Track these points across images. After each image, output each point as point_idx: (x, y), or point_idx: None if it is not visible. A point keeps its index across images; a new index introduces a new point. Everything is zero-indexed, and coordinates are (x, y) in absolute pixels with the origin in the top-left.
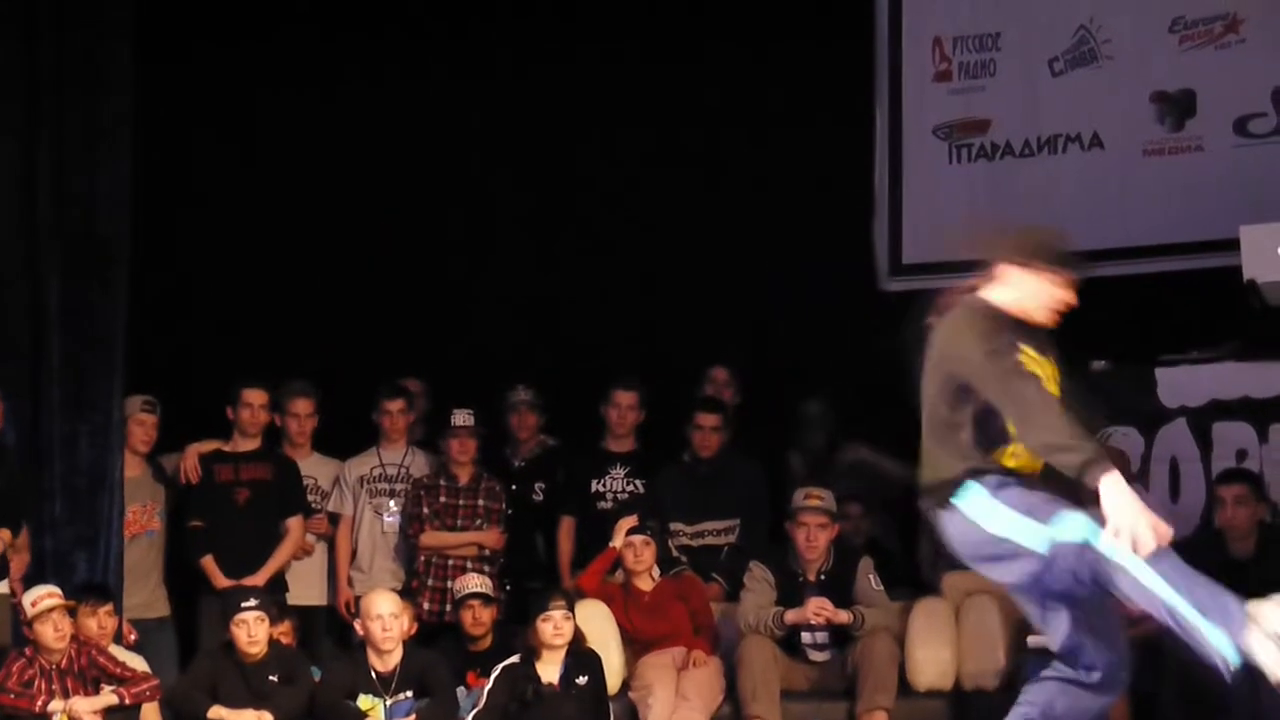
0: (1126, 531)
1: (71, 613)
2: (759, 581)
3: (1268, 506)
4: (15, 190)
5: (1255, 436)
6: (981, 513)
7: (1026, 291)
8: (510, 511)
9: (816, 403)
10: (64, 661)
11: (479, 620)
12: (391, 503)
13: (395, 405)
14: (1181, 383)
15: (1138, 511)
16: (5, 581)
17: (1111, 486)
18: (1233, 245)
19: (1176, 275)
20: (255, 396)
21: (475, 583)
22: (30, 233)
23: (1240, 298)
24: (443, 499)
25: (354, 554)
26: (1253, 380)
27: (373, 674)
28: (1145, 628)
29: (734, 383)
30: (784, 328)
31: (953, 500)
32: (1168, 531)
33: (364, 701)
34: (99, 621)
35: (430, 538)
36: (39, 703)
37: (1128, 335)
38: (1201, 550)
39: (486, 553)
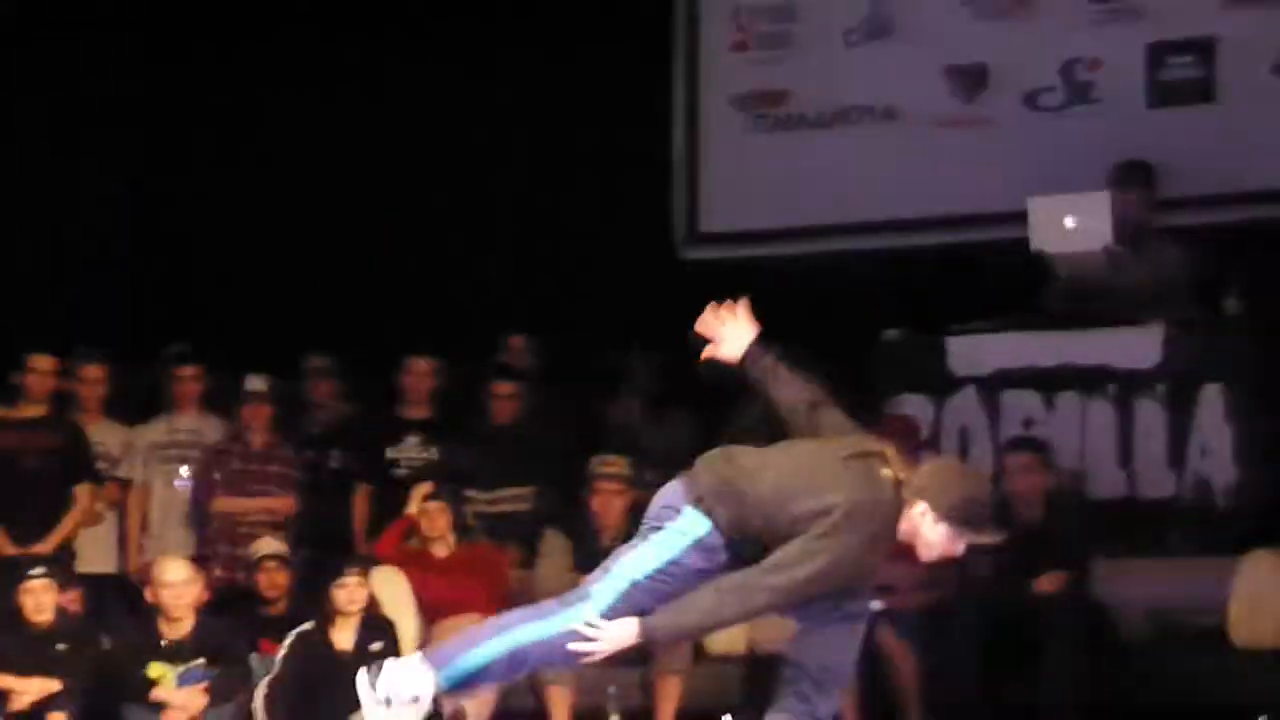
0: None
1: None
2: (554, 549)
3: (1055, 474)
4: None
5: (1042, 405)
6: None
7: (925, 533)
8: (306, 478)
9: (635, 356)
10: None
11: (274, 583)
12: (183, 469)
13: (186, 372)
14: (971, 352)
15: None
16: None
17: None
18: (1022, 217)
19: (968, 246)
20: (42, 363)
21: (270, 545)
22: None
23: (1029, 269)
24: (236, 465)
25: (145, 521)
26: (1040, 350)
27: (163, 642)
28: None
29: (532, 351)
30: (584, 297)
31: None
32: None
33: (155, 669)
34: None
35: (222, 504)
36: None
37: (919, 305)
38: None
39: (280, 520)
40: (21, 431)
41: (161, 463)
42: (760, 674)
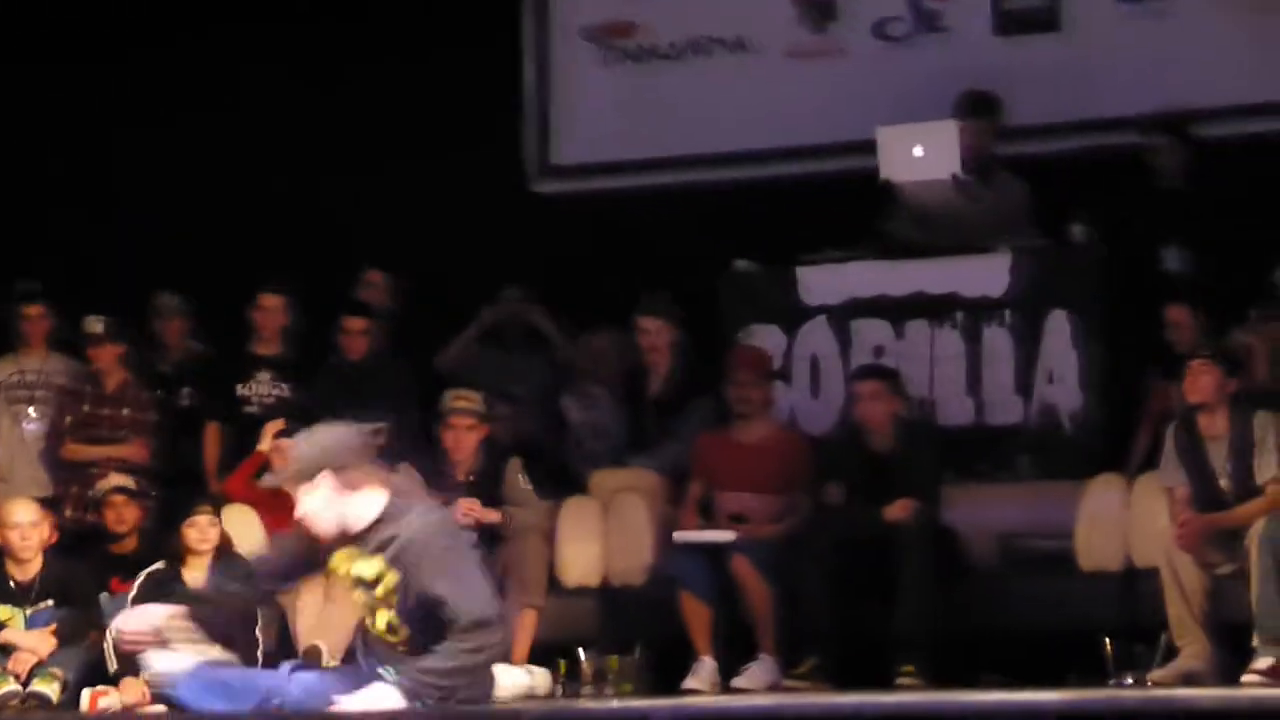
0: None
1: None
2: (407, 481)
3: (904, 401)
4: None
5: (892, 333)
6: None
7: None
8: (157, 419)
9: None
10: None
11: (122, 518)
12: (31, 409)
13: (33, 310)
14: (822, 282)
15: None
16: None
17: None
18: (872, 147)
19: (818, 177)
20: None
21: (117, 479)
22: None
23: (878, 199)
24: (87, 408)
25: None
26: (890, 279)
27: (11, 583)
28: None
29: (390, 285)
30: (435, 230)
31: None
32: None
33: (2, 611)
34: None
35: (72, 451)
36: None
37: (770, 236)
38: (842, 445)
39: (133, 466)
40: None
41: (9, 403)
42: (615, 604)
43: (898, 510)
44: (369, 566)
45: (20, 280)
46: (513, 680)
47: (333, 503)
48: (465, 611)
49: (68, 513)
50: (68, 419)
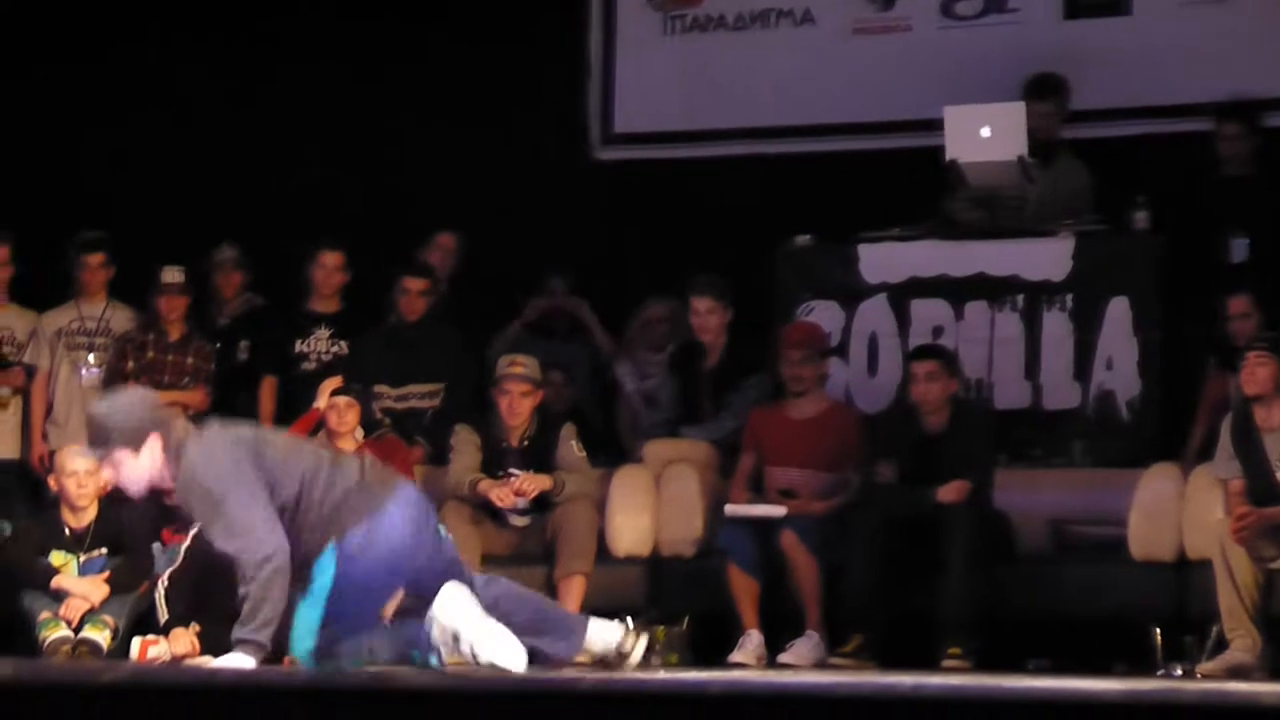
0: None
1: None
2: (465, 444)
3: (960, 382)
4: None
5: (951, 314)
6: None
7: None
8: (215, 371)
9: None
10: None
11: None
12: (90, 356)
13: (95, 259)
14: (882, 260)
15: None
16: None
17: None
18: (936, 125)
19: (881, 153)
20: None
21: None
22: None
23: (941, 177)
24: (150, 354)
25: (50, 408)
26: (951, 259)
27: (66, 530)
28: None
29: (458, 249)
30: (497, 196)
31: None
32: None
33: (56, 558)
34: None
35: None
36: None
37: (831, 211)
38: (896, 424)
39: (190, 413)
40: None
41: (68, 350)
42: (663, 575)
43: (950, 491)
44: None
45: (85, 230)
46: (604, 633)
47: (128, 467)
48: (237, 551)
49: None
50: (129, 364)
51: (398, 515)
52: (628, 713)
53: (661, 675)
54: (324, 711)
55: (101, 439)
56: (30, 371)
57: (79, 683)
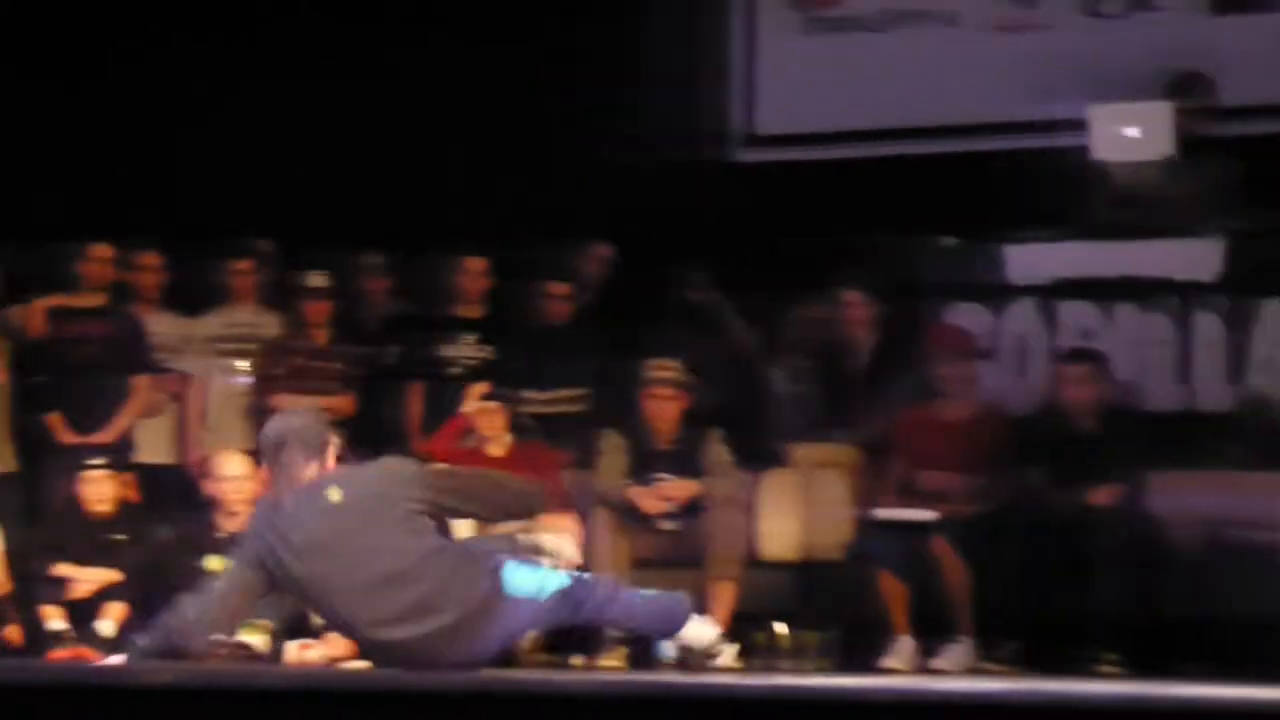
0: None
1: None
2: (612, 449)
3: (1110, 385)
4: None
5: (1100, 315)
6: None
7: None
8: (361, 376)
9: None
10: None
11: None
12: (239, 363)
13: (243, 266)
14: (1030, 261)
15: None
16: None
17: None
18: (1081, 124)
19: (1027, 153)
20: (101, 251)
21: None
22: None
23: (1088, 177)
24: (295, 360)
25: (202, 413)
26: (1098, 260)
27: (220, 535)
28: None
29: (609, 259)
30: (639, 199)
31: None
32: None
33: (212, 562)
34: None
35: (282, 400)
36: None
37: (977, 213)
38: (1046, 426)
39: (338, 418)
40: (80, 321)
41: (218, 356)
42: (812, 579)
43: (1102, 495)
44: None
45: (247, 237)
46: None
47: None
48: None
49: None
50: (276, 370)
51: None
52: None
53: (813, 681)
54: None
55: (275, 452)
56: (183, 377)
57: (235, 686)
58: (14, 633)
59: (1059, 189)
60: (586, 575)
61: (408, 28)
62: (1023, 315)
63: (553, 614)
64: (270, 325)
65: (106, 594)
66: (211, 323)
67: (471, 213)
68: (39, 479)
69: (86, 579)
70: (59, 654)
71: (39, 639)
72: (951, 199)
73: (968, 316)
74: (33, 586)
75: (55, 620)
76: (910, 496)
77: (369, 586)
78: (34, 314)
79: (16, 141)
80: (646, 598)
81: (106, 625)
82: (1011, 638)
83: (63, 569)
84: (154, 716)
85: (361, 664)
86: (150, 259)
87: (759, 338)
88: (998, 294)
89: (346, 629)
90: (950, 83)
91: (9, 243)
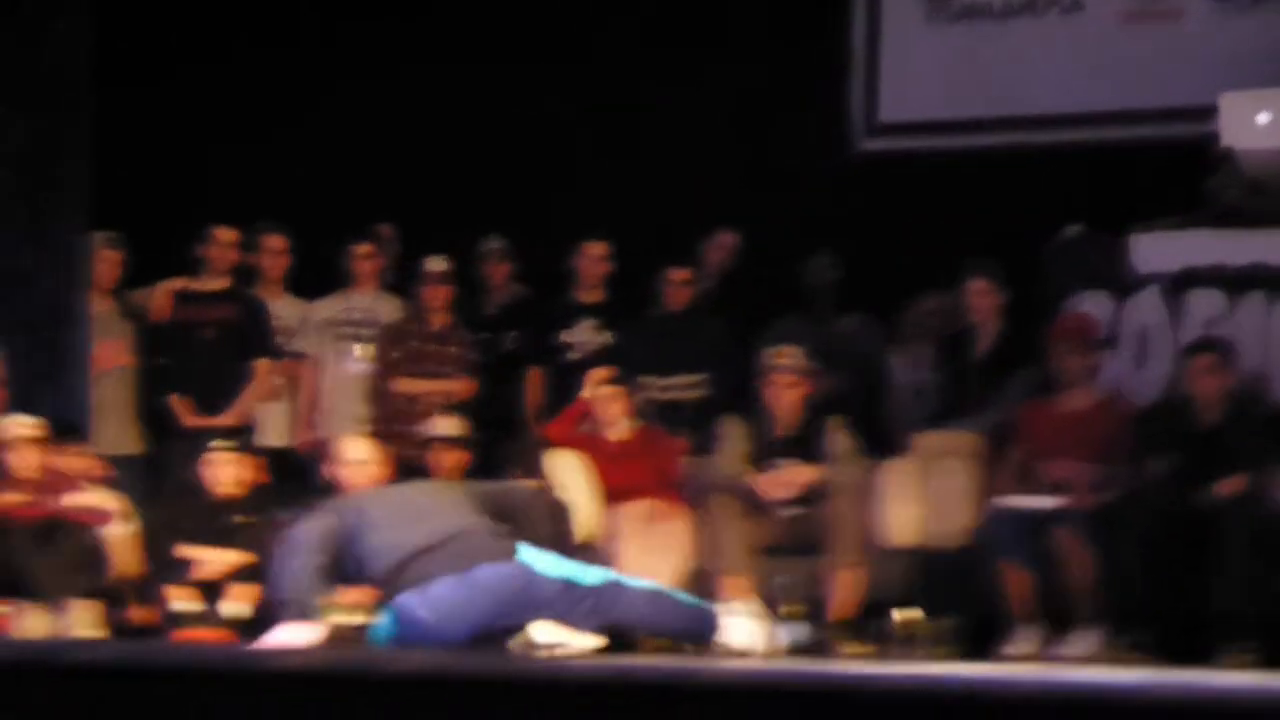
0: None
1: (42, 444)
2: (732, 436)
3: (1237, 376)
4: None
5: (1227, 305)
6: None
7: None
8: (480, 361)
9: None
10: (31, 490)
11: (442, 463)
12: (357, 347)
13: (363, 250)
14: (1155, 250)
15: None
16: None
17: None
18: (1210, 113)
19: (1153, 142)
20: (225, 234)
21: (444, 425)
22: None
23: (1216, 166)
24: (414, 344)
25: (318, 397)
26: (1226, 249)
27: None
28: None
29: (735, 248)
30: (761, 188)
31: None
32: None
33: None
34: (67, 460)
35: (401, 384)
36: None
37: (1102, 201)
38: (1170, 417)
39: (456, 402)
40: (203, 304)
41: (335, 340)
42: (933, 567)
43: (1228, 486)
44: None
45: (368, 222)
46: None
47: None
48: None
49: (395, 451)
50: (395, 354)
51: None
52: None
53: (933, 669)
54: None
55: None
56: (301, 360)
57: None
58: (142, 614)
59: (1184, 177)
60: (621, 578)
61: (536, 11)
62: (1149, 304)
63: (575, 605)
64: (389, 309)
65: (230, 576)
66: (330, 306)
67: (593, 198)
68: (164, 461)
69: (213, 561)
70: (184, 635)
71: (165, 620)
72: (1077, 188)
73: (1092, 306)
74: (159, 568)
75: (181, 601)
76: (1033, 486)
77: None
78: (159, 297)
79: (142, 126)
80: (680, 604)
81: (231, 606)
82: (1135, 627)
83: (188, 550)
84: (276, 700)
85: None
86: (275, 241)
87: (882, 325)
88: (1123, 283)
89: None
90: (1076, 72)
91: (134, 226)
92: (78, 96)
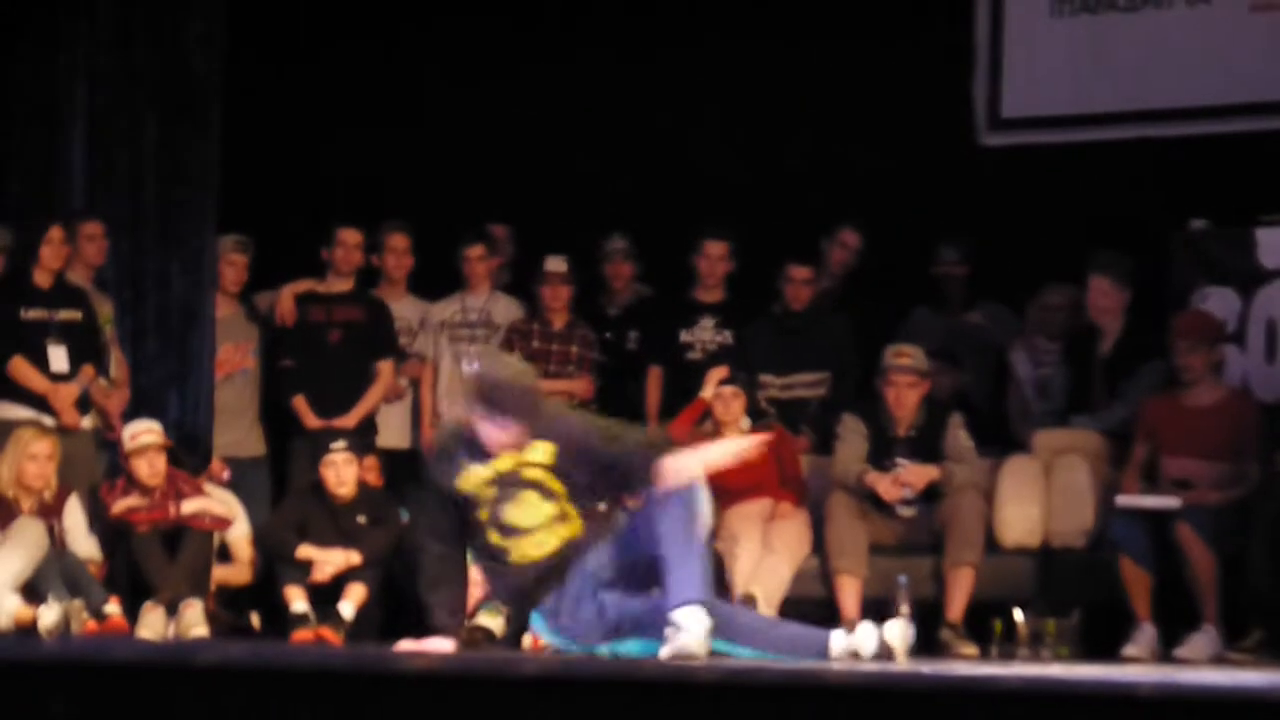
0: None
1: (170, 454)
2: (852, 433)
3: None
4: (113, 28)
5: None
6: None
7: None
8: (602, 360)
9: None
10: (156, 496)
11: None
12: (472, 348)
13: (475, 251)
14: None
15: None
16: (89, 415)
17: None
18: None
19: (1277, 134)
20: (350, 236)
21: None
22: (128, 72)
23: None
24: (535, 344)
25: (435, 398)
26: None
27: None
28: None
29: (860, 248)
30: (885, 184)
31: None
32: None
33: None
34: (191, 464)
35: None
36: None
37: (1228, 194)
38: None
39: (576, 401)
40: (328, 305)
41: (451, 341)
42: (1053, 566)
43: None
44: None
45: (485, 222)
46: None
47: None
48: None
49: None
50: (516, 353)
51: None
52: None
53: (1053, 670)
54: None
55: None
56: (424, 361)
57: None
58: (261, 616)
59: None
60: (728, 604)
61: (651, 7)
62: (1273, 299)
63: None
64: (504, 310)
65: (348, 576)
66: (446, 308)
67: (715, 196)
68: (286, 463)
69: (329, 561)
70: (302, 635)
71: (284, 621)
72: (1203, 181)
73: (1216, 300)
74: (278, 569)
75: (299, 602)
76: (1155, 483)
77: None
78: (283, 300)
79: (265, 129)
80: (784, 634)
81: (348, 608)
82: (1261, 627)
83: (306, 551)
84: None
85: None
86: (399, 241)
87: (1007, 321)
88: (1250, 277)
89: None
90: (1202, 63)
91: (259, 229)
92: (210, 99)
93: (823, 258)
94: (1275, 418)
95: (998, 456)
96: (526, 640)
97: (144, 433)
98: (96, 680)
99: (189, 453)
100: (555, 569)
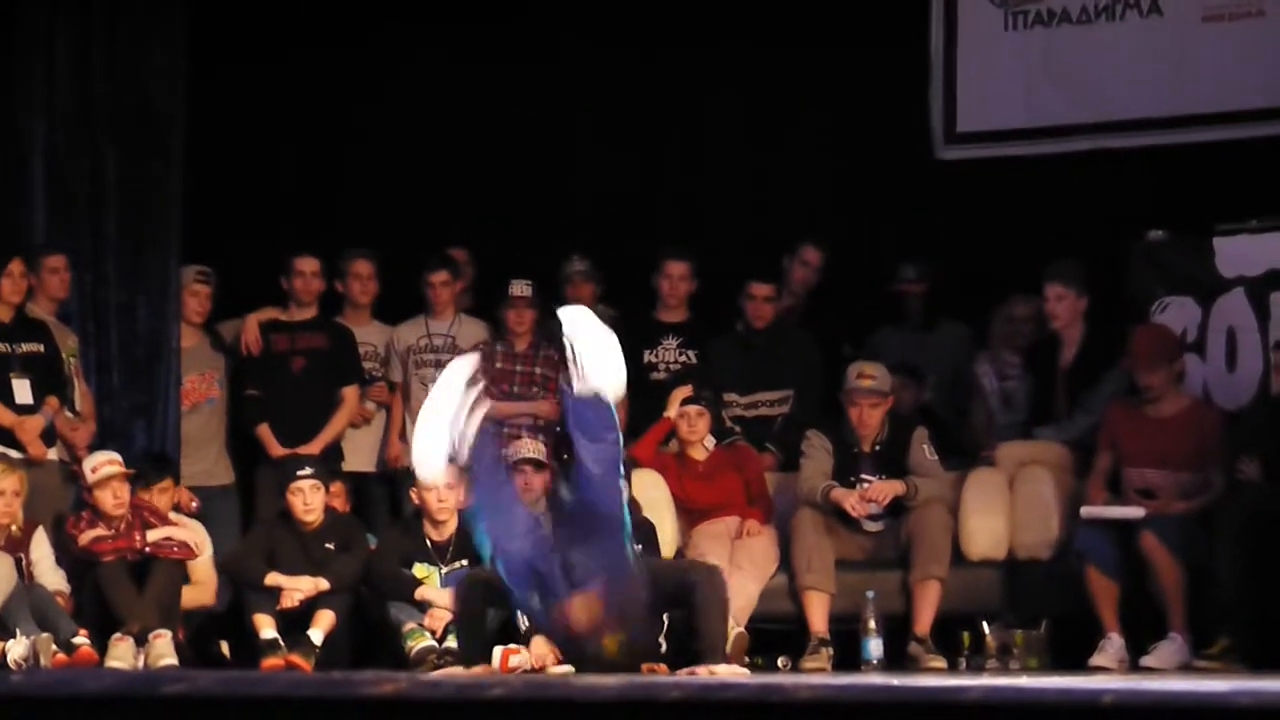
0: None
1: (132, 481)
2: (817, 450)
3: None
4: (72, 63)
5: None
6: None
7: None
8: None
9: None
10: (122, 526)
11: (530, 486)
12: (437, 373)
13: (439, 277)
14: (1239, 252)
15: None
16: (54, 448)
17: None
18: None
19: (1235, 143)
20: (307, 264)
21: (528, 448)
22: (87, 105)
23: None
24: (499, 365)
25: (402, 424)
26: None
27: (428, 543)
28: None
29: (821, 264)
30: (842, 199)
31: None
32: None
33: (419, 570)
34: (156, 494)
35: (483, 406)
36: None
37: (1185, 204)
38: (1260, 420)
39: (540, 422)
40: (291, 333)
41: (416, 366)
42: (1020, 578)
43: None
44: None
45: (443, 246)
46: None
47: None
48: None
49: None
50: (479, 374)
51: None
52: None
53: (1022, 681)
54: None
55: None
56: (392, 386)
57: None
58: (229, 644)
59: (1267, 179)
60: None
61: (610, 29)
62: (1232, 307)
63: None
64: (468, 333)
65: (316, 602)
66: (410, 332)
67: (675, 217)
68: (253, 491)
69: (298, 588)
70: (272, 663)
71: (253, 649)
72: (1160, 192)
73: (1175, 310)
74: (246, 597)
75: (268, 630)
76: (1119, 493)
77: None
78: (248, 328)
79: (226, 159)
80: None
81: (317, 634)
82: (1227, 635)
83: (275, 578)
84: None
85: (565, 669)
86: (363, 267)
87: (965, 333)
88: (1206, 286)
89: None
90: (1156, 74)
91: (222, 258)
92: (171, 130)
93: (784, 275)
94: (1237, 426)
95: (962, 470)
96: (495, 660)
97: (105, 464)
98: (66, 713)
99: (157, 471)
100: None
